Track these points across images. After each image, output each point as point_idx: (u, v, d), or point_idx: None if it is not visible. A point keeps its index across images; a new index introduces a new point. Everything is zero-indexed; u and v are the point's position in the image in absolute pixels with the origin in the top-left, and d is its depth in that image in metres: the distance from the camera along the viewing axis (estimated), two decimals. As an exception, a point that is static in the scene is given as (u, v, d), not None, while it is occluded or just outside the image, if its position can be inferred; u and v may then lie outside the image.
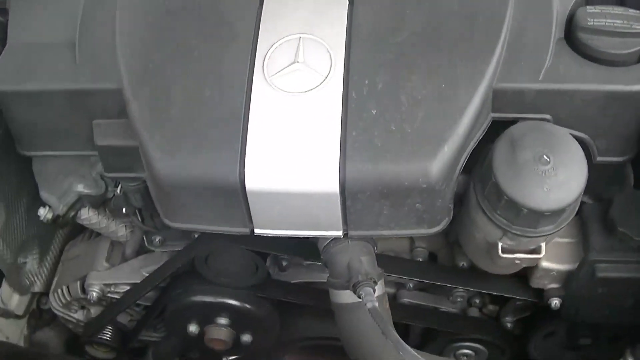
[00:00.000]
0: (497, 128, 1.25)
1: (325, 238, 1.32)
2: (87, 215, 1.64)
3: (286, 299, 1.61)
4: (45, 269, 1.85)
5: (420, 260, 1.58)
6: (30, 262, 1.80)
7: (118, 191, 1.50)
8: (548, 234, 1.23)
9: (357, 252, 1.29)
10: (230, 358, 1.84)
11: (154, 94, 1.28)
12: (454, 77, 1.22)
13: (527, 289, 1.51)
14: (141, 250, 1.75)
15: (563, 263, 1.43)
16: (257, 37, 1.28)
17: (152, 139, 1.24)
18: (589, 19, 1.26)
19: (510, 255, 1.27)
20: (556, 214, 1.19)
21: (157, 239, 1.64)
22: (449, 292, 1.62)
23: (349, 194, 1.19)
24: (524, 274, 1.49)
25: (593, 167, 1.34)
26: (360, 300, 1.22)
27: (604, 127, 1.29)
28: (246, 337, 1.70)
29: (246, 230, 1.28)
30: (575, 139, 1.23)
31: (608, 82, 1.24)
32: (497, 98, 1.24)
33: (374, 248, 1.34)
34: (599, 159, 1.34)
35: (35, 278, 1.82)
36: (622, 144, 1.33)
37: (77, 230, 1.90)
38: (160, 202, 1.32)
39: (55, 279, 1.84)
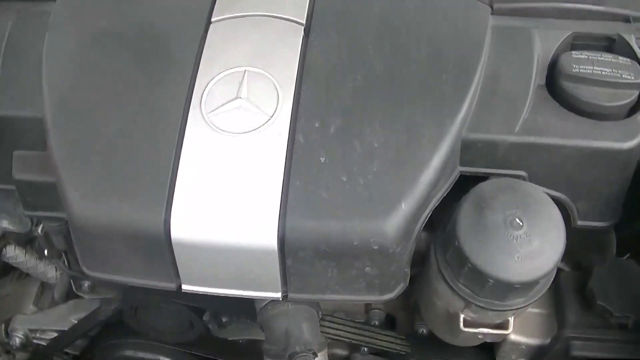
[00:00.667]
0: (465, 184, 1.09)
1: (262, 299, 1.15)
2: (13, 254, 1.51)
3: (226, 358, 1.44)
4: (-27, 309, 1.68)
5: (376, 324, 1.41)
6: None
7: (39, 231, 1.34)
8: (517, 308, 1.07)
9: (297, 318, 1.13)
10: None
11: (77, 126, 1.12)
12: (417, 125, 1.07)
13: (492, 363, 1.35)
14: (72, 295, 1.58)
15: (534, 337, 1.28)
16: (198, 68, 1.12)
17: (70, 176, 1.09)
18: (574, 66, 1.11)
19: (473, 330, 1.12)
20: (528, 286, 1.04)
21: (85, 285, 1.48)
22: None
23: (289, 251, 1.04)
24: (491, 345, 1.33)
25: (572, 232, 1.20)
26: None
27: (586, 188, 1.15)
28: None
29: (172, 286, 1.12)
30: (553, 200, 1.08)
31: (593, 138, 1.10)
32: (466, 150, 1.10)
33: (317, 313, 1.17)
34: (579, 223, 1.19)
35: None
36: (605, 208, 1.18)
37: (10, 268, 1.74)
38: (78, 247, 1.17)
39: (-19, 319, 1.68)
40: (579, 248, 1.30)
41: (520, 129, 1.09)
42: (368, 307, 1.44)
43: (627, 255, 1.28)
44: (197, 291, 1.13)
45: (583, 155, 1.10)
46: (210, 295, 1.15)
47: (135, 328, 1.40)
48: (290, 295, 1.11)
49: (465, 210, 1.03)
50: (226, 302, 1.28)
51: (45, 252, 1.39)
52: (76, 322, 1.52)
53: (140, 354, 1.46)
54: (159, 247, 1.06)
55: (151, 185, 1.05)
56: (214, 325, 1.46)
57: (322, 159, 1.04)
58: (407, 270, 1.11)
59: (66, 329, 1.52)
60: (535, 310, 1.29)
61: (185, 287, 1.12)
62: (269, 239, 1.03)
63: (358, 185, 1.03)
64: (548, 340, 1.26)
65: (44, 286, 1.64)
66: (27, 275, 1.65)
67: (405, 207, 1.02)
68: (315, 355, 1.09)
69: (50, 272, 1.56)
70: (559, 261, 1.03)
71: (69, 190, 1.08)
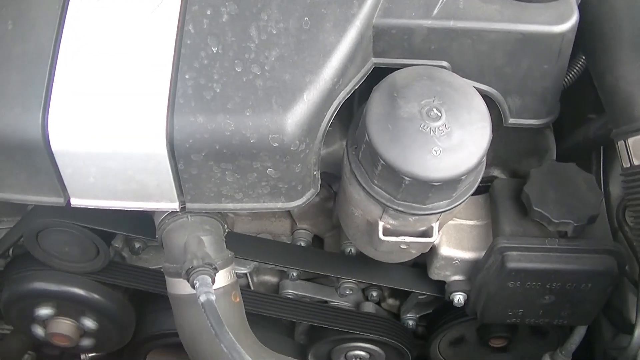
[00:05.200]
0: (381, 77, 0.97)
1: (161, 212, 1.04)
2: None
3: (140, 287, 1.33)
4: None
5: (302, 244, 1.30)
6: None
7: None
8: (440, 212, 0.97)
9: (196, 231, 1.01)
10: (89, 355, 1.56)
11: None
12: (320, 8, 0.95)
13: (426, 282, 1.26)
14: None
15: (467, 250, 1.19)
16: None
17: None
18: None
19: (393, 238, 1.01)
20: (450, 185, 0.93)
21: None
22: (337, 283, 1.35)
23: (180, 154, 0.92)
24: (424, 263, 1.23)
25: (505, 132, 1.10)
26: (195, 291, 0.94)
27: (517, 80, 1.04)
28: (91, 330, 1.41)
29: (60, 201, 1.00)
30: (481, 94, 0.96)
31: (522, 21, 0.99)
32: (379, 38, 0.98)
33: (222, 226, 1.06)
34: (512, 120, 1.09)
35: None
36: (540, 104, 1.08)
37: None
38: (-44, 162, 1.03)
39: None
40: (514, 151, 1.20)
41: (439, 13, 0.98)
42: (293, 227, 1.33)
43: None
44: (88, 205, 1.01)
45: (511, 42, 0.99)
46: (111, 213, 1.04)
47: (40, 258, 1.28)
48: (188, 205, 1.00)
49: (377, 101, 0.92)
50: (129, 220, 1.18)
51: None
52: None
53: (51, 286, 1.34)
54: (40, 156, 0.95)
55: (26, 86, 0.94)
56: (128, 252, 1.35)
57: (214, 49, 0.93)
58: (317, 173, 1.00)
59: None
60: (469, 222, 1.19)
61: (74, 201, 1.01)
62: (157, 142, 0.92)
63: (254, 75, 0.92)
64: (482, 254, 1.16)
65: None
66: None
67: (307, 99, 0.91)
68: (216, 270, 0.98)
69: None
70: (483, 156, 0.92)
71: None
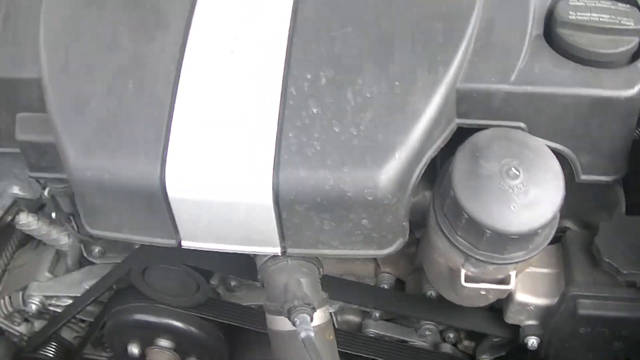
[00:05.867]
0: (463, 137, 1.07)
1: (263, 255, 1.15)
2: (26, 221, 1.51)
3: (235, 323, 1.44)
4: (-8, 278, 1.72)
5: (385, 287, 1.40)
6: None
7: (46, 194, 1.35)
8: (517, 262, 1.06)
9: (296, 273, 1.13)
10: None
11: (73, 85, 1.12)
12: (410, 75, 1.06)
13: (502, 325, 1.33)
14: (85, 262, 1.60)
15: (541, 297, 1.26)
16: (190, 23, 1.12)
17: (67, 134, 1.09)
18: (571, 13, 1.09)
19: (474, 285, 1.10)
20: (526, 238, 1.02)
21: (96, 250, 1.50)
22: (417, 324, 1.44)
23: (284, 205, 1.03)
24: (500, 308, 1.32)
25: (577, 187, 1.19)
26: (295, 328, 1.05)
27: (588, 140, 1.13)
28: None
29: (172, 242, 1.12)
30: (555, 152, 1.06)
31: (593, 86, 1.08)
32: (461, 101, 1.08)
33: (318, 270, 1.17)
34: (583, 177, 1.17)
35: (-20, 287, 1.69)
36: (609, 161, 1.16)
37: (28, 239, 1.76)
38: (80, 205, 1.18)
39: (0, 288, 1.70)
40: (586, 205, 1.28)
41: (516, 78, 1.07)
42: (377, 271, 1.43)
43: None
44: (197, 247, 1.13)
45: (583, 105, 1.08)
46: (214, 255, 1.16)
47: (144, 292, 1.41)
48: (289, 250, 1.10)
49: (461, 160, 1.02)
50: (230, 261, 1.29)
51: (53, 215, 1.41)
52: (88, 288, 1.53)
53: (151, 318, 1.47)
54: (157, 202, 1.06)
55: (146, 140, 1.05)
56: (223, 289, 1.46)
57: (315, 110, 1.04)
58: (406, 224, 1.10)
59: (80, 295, 1.54)
60: (543, 270, 1.27)
61: (185, 243, 1.13)
62: (264, 193, 1.02)
63: (351, 135, 1.02)
64: (555, 300, 1.24)
65: (59, 254, 1.66)
66: (43, 244, 1.67)
67: (399, 157, 1.01)
68: (314, 309, 1.09)
69: (62, 238, 1.57)
70: (557, 212, 1.01)
71: (66, 147, 1.09)
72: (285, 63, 1.07)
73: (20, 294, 1.62)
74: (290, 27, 1.09)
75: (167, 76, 1.08)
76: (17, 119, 1.21)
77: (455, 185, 1.00)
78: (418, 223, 1.23)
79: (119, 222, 1.14)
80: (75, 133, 1.09)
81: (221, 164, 1.04)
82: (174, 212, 1.07)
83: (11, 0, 1.26)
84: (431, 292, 1.37)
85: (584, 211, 1.28)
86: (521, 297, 1.26)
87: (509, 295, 1.26)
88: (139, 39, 1.13)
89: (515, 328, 1.32)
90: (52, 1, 1.21)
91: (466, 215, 1.00)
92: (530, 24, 1.11)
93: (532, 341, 1.30)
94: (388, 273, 1.42)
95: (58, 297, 1.60)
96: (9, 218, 1.49)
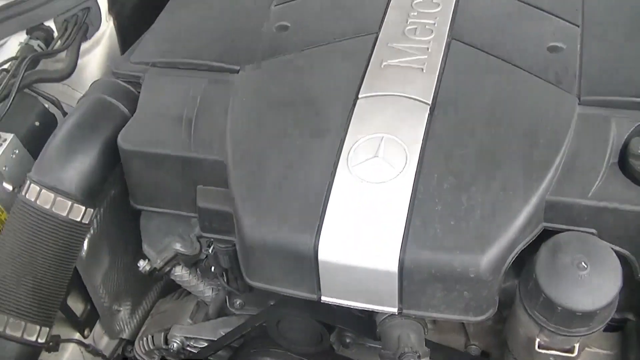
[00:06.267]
0: (547, 237, 1.40)
1: (382, 313, 1.48)
2: (180, 273, 1.85)
3: None
4: (135, 319, 2.09)
5: (472, 354, 1.71)
6: (124, 311, 2.03)
7: (210, 251, 1.71)
8: (581, 335, 1.36)
9: (407, 329, 1.45)
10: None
11: (251, 170, 1.49)
12: (512, 186, 1.39)
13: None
14: (222, 313, 1.95)
15: (600, 370, 1.55)
16: (347, 133, 1.49)
17: (244, 207, 1.45)
18: (640, 146, 1.42)
19: (545, 351, 1.40)
20: (588, 316, 1.32)
21: (237, 302, 1.84)
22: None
23: (406, 274, 1.36)
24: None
25: (636, 285, 1.48)
26: None
27: (646, 246, 1.43)
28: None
29: (314, 296, 1.46)
30: (618, 254, 1.37)
31: (651, 207, 1.39)
32: (548, 209, 1.40)
33: (424, 329, 1.49)
34: (640, 276, 1.47)
35: (125, 326, 2.05)
36: (662, 265, 1.45)
37: (168, 291, 2.13)
38: (244, 262, 1.51)
39: (143, 328, 2.07)
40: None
41: (593, 195, 1.40)
42: (467, 343, 1.74)
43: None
44: (334, 302, 1.46)
45: (642, 220, 1.40)
46: (340, 312, 1.48)
47: (275, 339, 1.74)
48: (405, 310, 1.43)
49: (543, 253, 1.35)
50: (352, 319, 1.62)
51: (212, 268, 1.76)
52: (224, 334, 1.87)
53: None
54: (308, 264, 1.40)
55: (306, 216, 1.40)
56: (338, 344, 1.79)
57: (437, 208, 1.37)
58: (496, 298, 1.42)
59: (215, 339, 1.87)
60: (604, 351, 1.56)
61: (324, 298, 1.46)
62: (392, 263, 1.36)
63: (462, 228, 1.35)
64: (612, 378, 1.53)
65: (199, 305, 2.01)
66: (185, 295, 2.03)
67: (496, 248, 1.34)
68: (419, 357, 1.41)
69: (207, 291, 1.93)
70: (614, 298, 1.32)
71: (242, 217, 1.44)
72: (417, 168, 1.41)
73: (163, 334, 1.96)
74: (423, 141, 1.45)
75: (326, 170, 1.44)
76: (198, 190, 1.58)
77: (537, 272, 1.33)
78: (507, 304, 1.54)
79: (275, 277, 1.48)
80: (250, 206, 1.45)
81: (362, 238, 1.37)
82: (321, 272, 1.41)
83: (205, 97, 1.65)
84: (511, 361, 1.67)
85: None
86: (584, 372, 1.56)
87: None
88: (306, 137, 1.50)
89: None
90: (237, 102, 1.60)
91: (544, 295, 1.32)
92: (608, 154, 1.43)
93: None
94: (475, 345, 1.73)
95: (196, 339, 1.92)
96: (167, 269, 1.81)
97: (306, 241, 1.39)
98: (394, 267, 1.36)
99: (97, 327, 1.99)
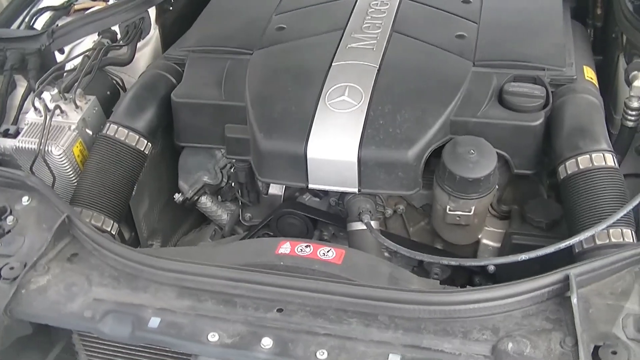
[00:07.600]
0: (452, 143, 2.20)
1: (348, 194, 2.25)
2: (205, 201, 2.57)
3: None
4: (165, 250, 2.69)
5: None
6: (155, 245, 2.61)
7: (232, 170, 2.47)
8: (475, 198, 2.11)
9: (364, 202, 2.23)
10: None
11: (262, 106, 2.28)
12: (428, 110, 2.18)
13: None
14: (234, 232, 2.67)
15: (496, 242, 2.33)
16: (325, 83, 2.28)
17: (259, 126, 2.23)
18: (510, 88, 2.22)
19: (453, 212, 2.17)
20: (477, 183, 2.07)
21: (248, 215, 2.58)
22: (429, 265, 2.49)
23: (363, 164, 2.11)
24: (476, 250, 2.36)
25: (515, 178, 2.26)
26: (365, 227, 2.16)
27: (516, 149, 2.20)
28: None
29: (304, 185, 2.21)
30: (499, 155, 2.14)
31: (518, 120, 2.17)
32: (452, 125, 2.19)
33: (374, 204, 2.26)
34: (516, 171, 2.24)
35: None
36: (529, 161, 2.21)
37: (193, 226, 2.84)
38: (257, 165, 2.24)
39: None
40: (522, 193, 2.35)
41: (480, 115, 2.19)
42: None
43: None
44: (317, 188, 2.23)
45: (513, 129, 2.17)
46: (320, 210, 2.30)
47: (273, 232, 2.44)
48: (362, 189, 2.18)
49: (448, 146, 2.12)
50: (328, 214, 2.39)
51: (232, 184, 2.52)
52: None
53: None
54: (301, 162, 2.15)
55: (299, 132, 2.16)
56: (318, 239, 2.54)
57: (381, 122, 2.15)
58: (420, 180, 2.16)
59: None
60: (498, 230, 2.31)
61: (311, 185, 2.21)
62: (354, 157, 2.12)
63: (398, 133, 2.12)
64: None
65: (215, 232, 2.69)
66: (205, 225, 2.73)
67: (418, 145, 2.11)
68: (373, 216, 2.19)
69: (224, 215, 2.62)
70: (492, 171, 2.06)
71: (257, 133, 2.20)
72: (368, 101, 2.20)
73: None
74: (372, 86, 2.24)
75: (312, 102, 2.23)
76: (227, 127, 2.35)
77: (444, 156, 2.10)
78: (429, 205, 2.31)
79: (277, 173, 2.23)
80: (262, 127, 2.22)
81: (335, 144, 2.14)
82: (309, 166, 2.17)
83: (230, 71, 2.45)
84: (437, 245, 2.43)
85: (520, 198, 2.35)
86: (485, 241, 2.33)
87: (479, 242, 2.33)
88: (297, 87, 2.30)
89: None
90: (252, 71, 2.40)
91: (448, 170, 2.08)
92: (491, 93, 2.23)
93: (491, 267, 2.30)
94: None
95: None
96: (196, 198, 2.52)
97: (298, 146, 2.16)
98: (355, 159, 2.13)
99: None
